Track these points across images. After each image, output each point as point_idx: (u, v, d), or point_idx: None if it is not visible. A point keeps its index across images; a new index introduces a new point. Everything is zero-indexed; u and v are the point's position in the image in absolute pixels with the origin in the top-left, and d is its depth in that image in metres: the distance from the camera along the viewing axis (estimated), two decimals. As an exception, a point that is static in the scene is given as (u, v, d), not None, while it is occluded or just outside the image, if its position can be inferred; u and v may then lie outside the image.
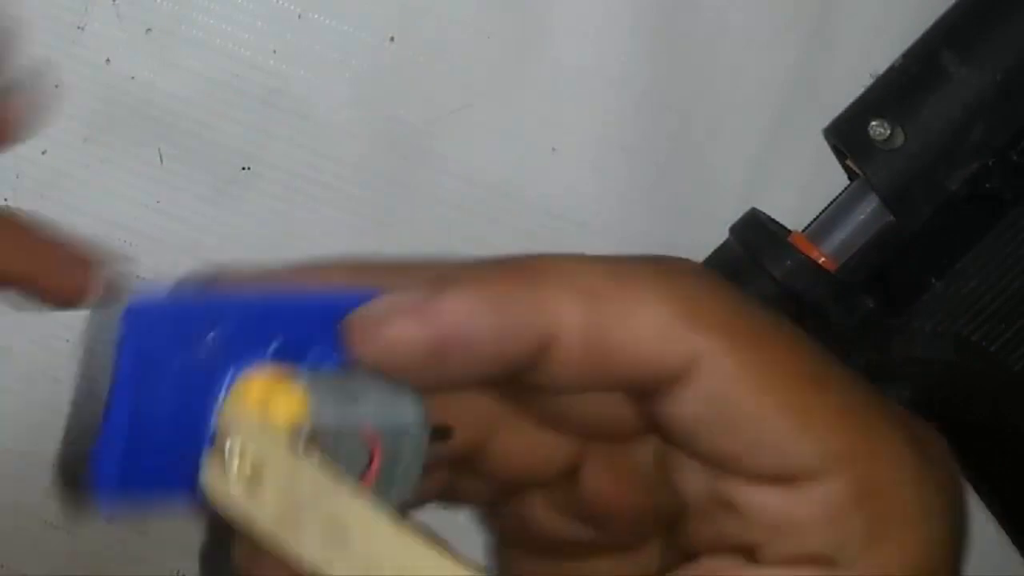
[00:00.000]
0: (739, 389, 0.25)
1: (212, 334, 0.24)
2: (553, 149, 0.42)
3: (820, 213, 0.43)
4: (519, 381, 0.25)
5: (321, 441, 0.24)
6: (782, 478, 0.25)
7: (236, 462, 0.24)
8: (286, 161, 0.41)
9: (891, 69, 0.42)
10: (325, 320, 0.24)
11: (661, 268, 0.25)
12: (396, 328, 0.24)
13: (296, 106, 0.41)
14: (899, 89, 0.41)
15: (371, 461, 0.24)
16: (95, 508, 0.24)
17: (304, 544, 0.23)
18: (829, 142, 0.43)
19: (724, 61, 0.43)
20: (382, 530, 0.22)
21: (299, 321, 0.24)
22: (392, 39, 0.41)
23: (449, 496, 0.29)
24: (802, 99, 0.44)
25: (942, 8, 0.42)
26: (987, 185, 0.40)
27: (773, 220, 0.43)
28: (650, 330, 0.24)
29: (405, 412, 0.25)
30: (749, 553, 0.25)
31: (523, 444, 0.28)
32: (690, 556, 0.26)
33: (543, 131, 0.42)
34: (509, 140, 0.42)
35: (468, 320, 0.24)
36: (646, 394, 0.25)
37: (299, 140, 0.41)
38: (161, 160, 0.40)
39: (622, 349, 0.24)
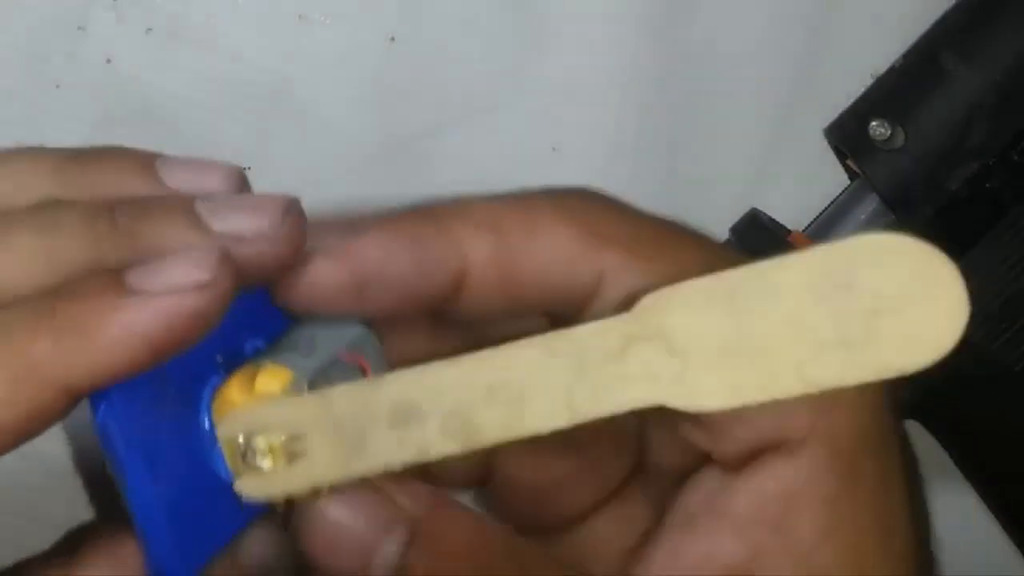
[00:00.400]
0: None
1: (167, 387, 0.24)
2: (553, 149, 0.42)
3: (820, 213, 0.43)
4: (443, 314, 0.26)
5: (319, 387, 0.25)
6: None
7: (266, 451, 0.24)
8: (286, 161, 0.41)
9: (891, 69, 0.42)
10: (244, 312, 0.25)
11: (559, 196, 0.27)
12: (316, 268, 0.25)
13: (296, 106, 0.41)
14: (899, 89, 0.41)
15: (364, 372, 0.26)
16: None
17: (388, 451, 0.23)
18: (829, 142, 0.43)
19: (724, 61, 0.43)
20: (446, 371, 0.23)
21: (223, 329, 0.25)
22: (392, 39, 0.41)
23: None
24: (802, 99, 0.44)
25: (942, 8, 0.42)
26: (987, 185, 0.40)
27: (773, 220, 0.43)
28: (555, 254, 0.26)
29: (353, 328, 0.26)
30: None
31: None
32: (673, 485, 0.26)
33: (543, 131, 0.42)
34: (509, 140, 0.42)
35: (383, 258, 0.25)
36: (563, 318, 0.26)
37: (299, 140, 0.41)
38: (161, 160, 0.40)
39: (532, 275, 0.26)
